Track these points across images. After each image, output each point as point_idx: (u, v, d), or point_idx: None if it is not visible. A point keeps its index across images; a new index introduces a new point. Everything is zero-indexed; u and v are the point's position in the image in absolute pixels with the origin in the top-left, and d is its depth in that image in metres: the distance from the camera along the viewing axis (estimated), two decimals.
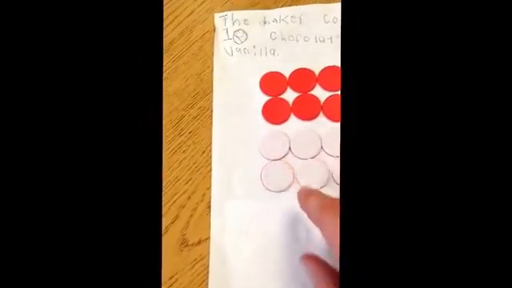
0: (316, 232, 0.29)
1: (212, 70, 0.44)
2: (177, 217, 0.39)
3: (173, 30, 0.46)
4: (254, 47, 0.44)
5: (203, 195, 0.39)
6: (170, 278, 0.37)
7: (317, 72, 0.42)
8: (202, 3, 0.47)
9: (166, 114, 0.43)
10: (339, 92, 0.40)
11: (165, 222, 0.39)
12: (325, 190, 0.37)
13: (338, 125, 0.39)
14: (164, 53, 0.45)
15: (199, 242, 0.38)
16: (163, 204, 0.39)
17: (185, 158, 0.41)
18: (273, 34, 0.44)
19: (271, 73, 0.42)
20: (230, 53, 0.44)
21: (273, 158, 0.39)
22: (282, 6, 0.45)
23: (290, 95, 0.41)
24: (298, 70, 0.42)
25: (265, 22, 0.44)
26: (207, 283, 0.36)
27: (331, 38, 0.43)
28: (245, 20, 0.45)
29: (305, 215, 0.32)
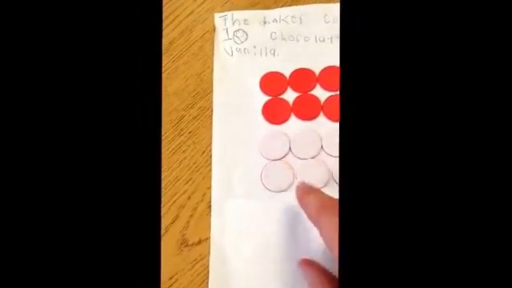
0: (316, 232, 0.29)
1: (212, 70, 0.44)
2: (177, 217, 0.39)
3: (173, 29, 0.46)
4: (254, 47, 0.44)
5: (203, 195, 0.39)
6: (170, 278, 0.37)
7: (317, 72, 0.42)
8: (202, 3, 0.47)
9: (165, 114, 0.43)
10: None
11: (165, 221, 0.39)
12: (325, 190, 0.36)
13: (338, 125, 0.39)
14: (164, 53, 0.45)
15: (199, 242, 0.38)
16: (163, 204, 0.39)
17: (185, 158, 0.41)
18: (273, 33, 0.44)
19: (271, 73, 0.42)
20: (230, 53, 0.44)
21: (273, 158, 0.39)
22: (282, 6, 0.45)
23: (290, 95, 0.41)
24: (299, 69, 0.42)
25: (265, 22, 0.44)
26: (207, 283, 0.36)
27: (331, 38, 0.43)
28: (245, 20, 0.45)
29: (305, 215, 0.32)
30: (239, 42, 0.44)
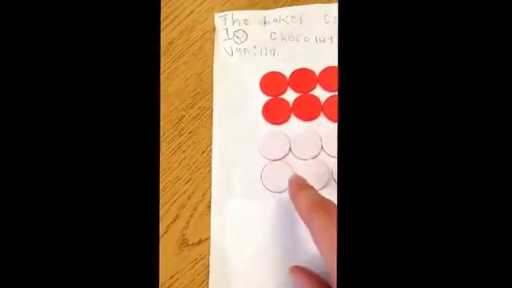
0: None
1: (212, 70, 0.44)
2: (177, 216, 0.39)
3: (172, 29, 0.46)
4: (254, 47, 0.44)
5: (203, 195, 0.39)
6: (171, 278, 0.37)
7: (317, 72, 0.42)
8: (202, 3, 0.47)
9: (165, 114, 0.43)
10: None
11: (165, 221, 0.39)
12: (325, 191, 0.37)
13: None
14: (164, 53, 0.45)
15: (199, 242, 0.38)
16: (163, 204, 0.39)
17: (185, 158, 0.41)
18: (273, 34, 0.44)
19: (271, 73, 0.42)
20: (230, 53, 0.44)
21: (273, 159, 0.39)
22: (282, 6, 0.45)
23: (290, 95, 0.41)
24: (299, 70, 0.42)
25: (265, 22, 0.44)
26: (207, 283, 0.36)
27: (331, 38, 0.43)
28: (245, 20, 0.45)
29: None
30: (239, 42, 0.44)
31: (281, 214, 0.37)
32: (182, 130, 0.42)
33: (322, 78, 0.41)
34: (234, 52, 0.44)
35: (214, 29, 0.45)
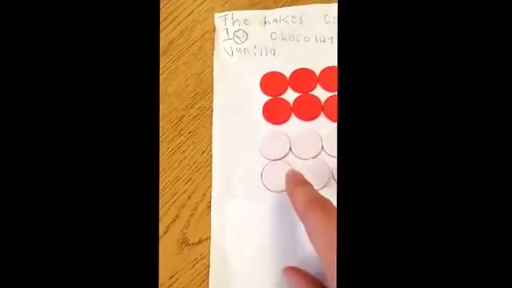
0: None
1: (212, 70, 0.44)
2: (177, 216, 0.39)
3: (172, 29, 0.46)
4: (255, 47, 0.44)
5: (203, 195, 0.39)
6: (171, 278, 0.37)
7: (317, 72, 0.42)
8: (202, 3, 0.47)
9: (165, 114, 0.43)
10: None
11: (165, 221, 0.39)
12: (325, 190, 0.37)
13: None
14: (164, 53, 0.45)
15: (199, 242, 0.38)
16: (163, 204, 0.39)
17: (185, 158, 0.41)
18: (273, 34, 0.44)
19: (271, 73, 0.42)
20: (230, 53, 0.44)
21: (273, 158, 0.39)
22: (282, 6, 0.45)
23: (290, 95, 0.41)
24: (299, 70, 0.42)
25: (265, 22, 0.44)
26: (207, 282, 0.36)
27: (332, 38, 0.43)
28: (245, 20, 0.45)
29: None
30: (239, 42, 0.44)
31: (281, 214, 0.37)
32: (181, 130, 0.42)
33: (322, 78, 0.41)
34: (234, 52, 0.44)
35: (214, 29, 0.45)
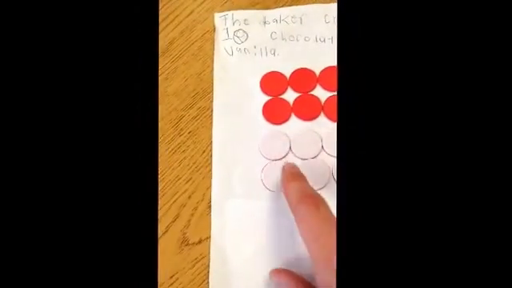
0: None
1: (212, 70, 0.44)
2: (177, 216, 0.39)
3: (172, 29, 0.46)
4: (255, 47, 0.44)
5: (203, 195, 0.39)
6: (171, 277, 0.37)
7: (317, 72, 0.42)
8: (202, 3, 0.47)
9: (165, 114, 0.43)
10: None
11: (165, 221, 0.39)
12: (325, 190, 0.37)
13: None
14: (164, 53, 0.45)
15: (200, 242, 0.38)
16: (164, 203, 0.39)
17: (185, 158, 0.41)
18: (273, 33, 0.44)
19: (271, 73, 0.42)
20: (231, 53, 0.44)
21: (273, 158, 0.39)
22: (282, 6, 0.45)
23: (290, 95, 0.41)
24: (299, 70, 0.42)
25: (265, 22, 0.45)
26: (208, 282, 0.36)
27: (332, 38, 0.43)
28: (245, 20, 0.45)
29: None
30: (239, 42, 0.44)
31: (281, 214, 0.37)
32: (181, 129, 0.42)
33: (322, 78, 0.41)
34: (234, 52, 0.44)
35: (214, 29, 0.45)
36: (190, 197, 0.39)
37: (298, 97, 0.41)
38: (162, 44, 0.45)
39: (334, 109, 0.40)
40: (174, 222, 0.39)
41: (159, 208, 0.39)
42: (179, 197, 0.39)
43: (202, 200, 0.39)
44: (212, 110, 0.42)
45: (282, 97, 0.41)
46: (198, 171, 0.40)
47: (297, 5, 0.45)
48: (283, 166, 0.36)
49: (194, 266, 0.37)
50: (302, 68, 0.42)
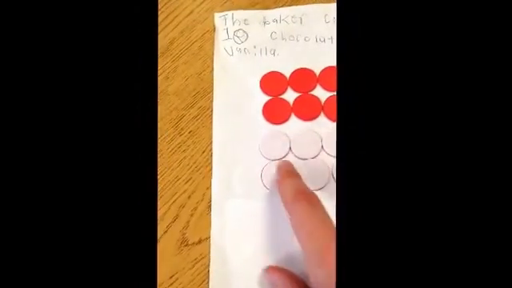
0: None
1: (212, 70, 0.44)
2: (177, 216, 0.39)
3: (172, 29, 0.46)
4: (255, 47, 0.44)
5: (203, 195, 0.39)
6: (171, 277, 0.37)
7: (317, 72, 0.42)
8: (202, 3, 0.47)
9: (165, 114, 0.43)
10: None
11: (165, 221, 0.39)
12: (325, 191, 0.37)
13: None
14: (164, 53, 0.45)
15: (199, 242, 0.38)
16: (163, 203, 0.39)
17: (185, 158, 0.41)
18: (273, 33, 0.44)
19: (271, 73, 0.42)
20: (231, 52, 0.44)
21: (273, 158, 0.39)
22: (282, 6, 0.45)
23: (290, 95, 0.41)
24: (299, 70, 0.42)
25: (265, 22, 0.44)
26: (207, 282, 0.36)
27: (332, 38, 0.43)
28: (245, 20, 0.45)
29: None
30: (239, 42, 0.44)
31: (281, 214, 0.37)
32: (182, 129, 0.42)
33: (322, 78, 0.41)
34: (234, 52, 0.44)
35: (214, 28, 0.45)
36: (189, 197, 0.39)
37: (298, 97, 0.41)
38: (162, 44, 0.45)
39: (334, 109, 0.40)
40: (173, 222, 0.38)
41: (159, 208, 0.39)
42: (179, 197, 0.39)
43: (202, 200, 0.39)
44: (212, 110, 0.42)
45: (282, 97, 0.41)
46: (198, 171, 0.40)
47: (297, 5, 0.45)
48: (278, 164, 0.37)
49: (193, 266, 0.37)
50: (301, 68, 0.42)
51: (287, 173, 0.35)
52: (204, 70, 0.44)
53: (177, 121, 0.42)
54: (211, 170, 0.40)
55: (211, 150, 0.41)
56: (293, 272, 0.33)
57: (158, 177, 0.40)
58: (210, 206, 0.39)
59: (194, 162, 0.40)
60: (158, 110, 0.43)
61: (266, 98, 0.42)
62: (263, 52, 0.44)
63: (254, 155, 0.40)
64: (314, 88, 0.41)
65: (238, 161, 0.40)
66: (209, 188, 0.39)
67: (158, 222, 0.38)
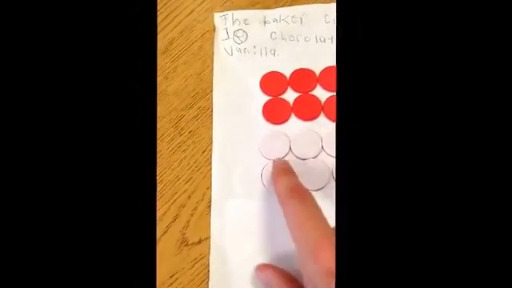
0: None
1: (212, 70, 0.44)
2: (177, 216, 0.39)
3: (172, 29, 0.46)
4: (254, 47, 0.44)
5: (203, 194, 0.39)
6: (170, 277, 0.37)
7: (317, 72, 0.42)
8: (202, 3, 0.47)
9: (165, 114, 0.43)
10: None
11: (165, 221, 0.39)
12: (325, 191, 0.37)
13: None
14: (163, 52, 0.45)
15: (199, 242, 0.38)
16: (163, 203, 0.39)
17: (185, 158, 0.41)
18: (273, 33, 0.44)
19: (271, 73, 0.42)
20: (230, 52, 0.44)
21: (273, 158, 0.39)
22: (282, 6, 0.45)
23: (290, 95, 0.41)
24: (299, 70, 0.42)
25: (265, 22, 0.44)
26: (207, 282, 0.36)
27: (332, 38, 0.43)
28: (245, 20, 0.45)
29: None
30: (239, 42, 0.44)
31: (280, 214, 0.37)
32: (181, 129, 0.42)
33: (322, 78, 0.41)
34: (234, 52, 0.44)
35: (214, 28, 0.45)
36: (189, 197, 0.39)
37: (298, 97, 0.41)
38: (162, 44, 0.45)
39: (334, 109, 0.40)
40: (173, 222, 0.38)
41: (159, 208, 0.39)
42: (179, 197, 0.39)
43: (202, 200, 0.39)
44: (212, 110, 0.42)
45: (281, 97, 0.41)
46: (198, 171, 0.40)
47: (297, 5, 0.45)
48: (274, 162, 0.37)
49: (193, 266, 0.37)
50: (301, 68, 0.42)
51: (283, 170, 0.35)
52: (204, 70, 0.44)
53: (177, 121, 0.42)
54: (211, 169, 0.40)
55: (211, 149, 0.41)
56: (287, 271, 0.34)
57: (158, 177, 0.40)
58: (209, 206, 0.39)
59: (194, 162, 0.40)
60: (158, 110, 0.43)
61: (265, 98, 0.42)
62: (263, 52, 0.43)
63: (253, 155, 0.40)
64: (314, 88, 0.41)
65: (238, 161, 0.40)
66: (209, 188, 0.39)
67: (158, 221, 0.38)
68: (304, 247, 0.28)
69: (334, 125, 0.40)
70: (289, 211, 0.30)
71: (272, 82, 0.42)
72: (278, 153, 0.39)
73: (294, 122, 0.40)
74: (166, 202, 0.39)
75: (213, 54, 0.44)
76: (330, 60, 0.41)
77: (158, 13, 0.47)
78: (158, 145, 0.41)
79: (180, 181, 0.40)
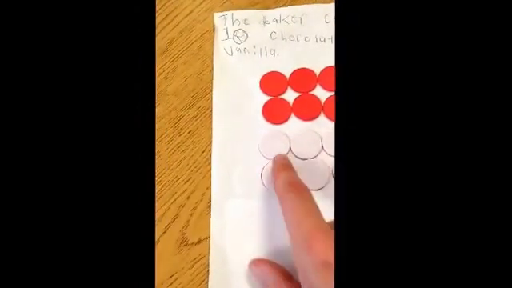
0: None
1: (211, 70, 0.44)
2: (176, 216, 0.39)
3: (172, 29, 0.46)
4: (254, 47, 0.44)
5: (203, 195, 0.39)
6: (170, 277, 0.37)
7: (317, 72, 0.42)
8: (202, 3, 0.47)
9: (165, 114, 0.42)
10: None
11: (164, 221, 0.38)
12: (325, 190, 0.37)
13: None
14: (163, 52, 0.45)
15: (199, 242, 0.38)
16: (163, 203, 0.39)
17: (184, 158, 0.41)
18: (273, 33, 0.44)
19: (271, 73, 0.42)
20: (230, 52, 0.44)
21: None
22: (282, 6, 0.45)
23: (290, 95, 0.41)
24: (299, 70, 0.42)
25: (265, 22, 0.44)
26: (207, 282, 0.36)
27: (332, 38, 0.43)
28: (245, 20, 0.45)
29: None
30: (239, 42, 0.44)
31: (281, 214, 0.37)
32: (181, 129, 0.42)
33: (322, 78, 0.41)
34: (234, 52, 0.44)
35: (214, 28, 0.45)
36: (189, 197, 0.39)
37: (298, 97, 0.41)
38: (162, 44, 0.45)
39: (333, 109, 0.40)
40: (173, 222, 0.38)
41: (158, 208, 0.39)
42: (178, 197, 0.39)
43: (202, 200, 0.39)
44: (212, 110, 0.42)
45: (281, 97, 0.41)
46: (197, 171, 0.40)
47: (297, 5, 0.45)
48: (274, 157, 0.37)
49: (193, 266, 0.37)
50: (302, 68, 0.42)
51: (282, 166, 0.35)
52: (203, 70, 0.44)
53: (176, 121, 0.42)
54: (210, 170, 0.40)
55: (211, 149, 0.41)
56: (282, 266, 0.34)
57: (158, 177, 0.40)
58: (209, 206, 0.39)
59: (194, 162, 0.40)
60: (158, 110, 0.43)
61: (265, 98, 0.42)
62: (263, 52, 0.43)
63: (253, 155, 0.40)
64: (313, 88, 0.41)
65: (238, 161, 0.40)
66: (208, 188, 0.39)
67: (158, 221, 0.38)
68: (297, 238, 0.28)
69: (333, 125, 0.40)
70: (286, 205, 0.30)
71: (272, 82, 0.42)
72: (278, 153, 0.39)
73: (293, 121, 0.40)
74: (166, 202, 0.39)
75: (212, 54, 0.44)
76: (330, 60, 0.41)
77: (158, 13, 0.47)
78: (157, 145, 0.41)
79: (179, 181, 0.40)
